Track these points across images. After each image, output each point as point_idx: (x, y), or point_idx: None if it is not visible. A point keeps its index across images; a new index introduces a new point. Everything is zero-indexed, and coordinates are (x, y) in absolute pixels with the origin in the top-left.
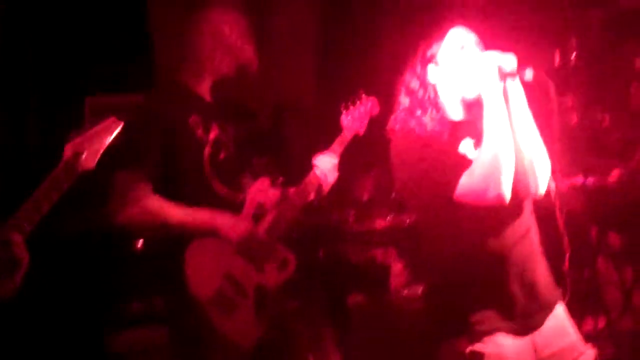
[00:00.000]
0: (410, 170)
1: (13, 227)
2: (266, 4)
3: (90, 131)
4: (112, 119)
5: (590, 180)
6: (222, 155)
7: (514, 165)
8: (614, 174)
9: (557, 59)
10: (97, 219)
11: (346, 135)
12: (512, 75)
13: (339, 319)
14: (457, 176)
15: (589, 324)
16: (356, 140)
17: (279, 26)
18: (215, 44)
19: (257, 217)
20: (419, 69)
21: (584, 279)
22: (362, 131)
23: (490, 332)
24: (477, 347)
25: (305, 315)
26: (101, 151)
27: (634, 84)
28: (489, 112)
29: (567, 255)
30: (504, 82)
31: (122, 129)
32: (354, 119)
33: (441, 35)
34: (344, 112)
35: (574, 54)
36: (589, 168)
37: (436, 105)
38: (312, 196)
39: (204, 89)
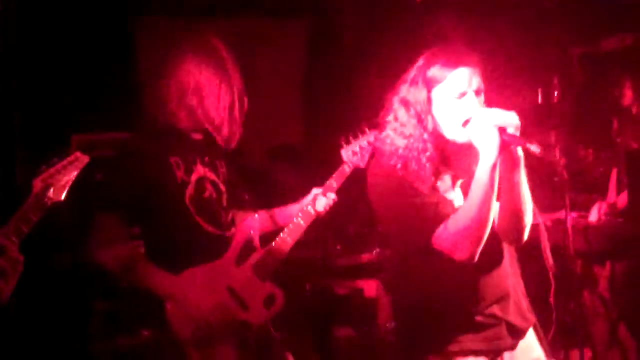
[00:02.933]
0: (388, 207)
1: (3, 236)
2: (250, 44)
3: (58, 165)
4: (78, 153)
5: (574, 215)
6: (206, 194)
7: (490, 227)
8: (598, 209)
9: (539, 97)
10: (81, 255)
11: (345, 169)
12: (515, 140)
13: (325, 352)
14: (435, 220)
15: (575, 357)
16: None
17: (264, 66)
18: (198, 95)
19: (246, 254)
20: (420, 85)
21: (570, 311)
22: (363, 164)
23: (461, 352)
24: None
25: (291, 348)
26: (69, 184)
27: (615, 120)
28: (482, 171)
29: (553, 288)
30: (505, 145)
31: (104, 167)
32: (354, 152)
33: (437, 57)
34: (345, 145)
35: (556, 92)
36: (573, 203)
37: (427, 123)
38: (304, 228)
39: (193, 127)
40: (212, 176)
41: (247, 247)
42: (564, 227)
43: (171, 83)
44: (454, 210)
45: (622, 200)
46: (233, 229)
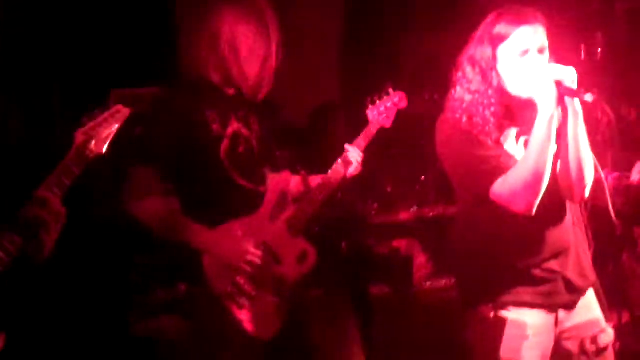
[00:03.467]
0: (453, 158)
1: (46, 188)
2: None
3: (99, 118)
4: (119, 106)
5: (616, 175)
6: (240, 149)
7: (548, 180)
8: (637, 168)
9: (582, 53)
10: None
11: (371, 130)
12: (572, 93)
13: (362, 311)
14: (496, 172)
15: (612, 319)
16: (381, 133)
17: (302, 21)
18: (232, 46)
19: (279, 209)
20: (486, 43)
21: (609, 273)
22: (388, 125)
23: (515, 303)
24: (501, 313)
25: (328, 306)
26: (110, 137)
27: None
28: (540, 126)
29: (592, 249)
30: (562, 97)
31: (140, 121)
32: (380, 113)
33: (503, 16)
34: (370, 106)
35: (599, 49)
36: (614, 163)
37: (491, 79)
38: (335, 185)
39: (226, 82)
40: (246, 131)
41: (280, 203)
42: (604, 187)
43: (205, 33)
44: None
45: None
46: (266, 185)
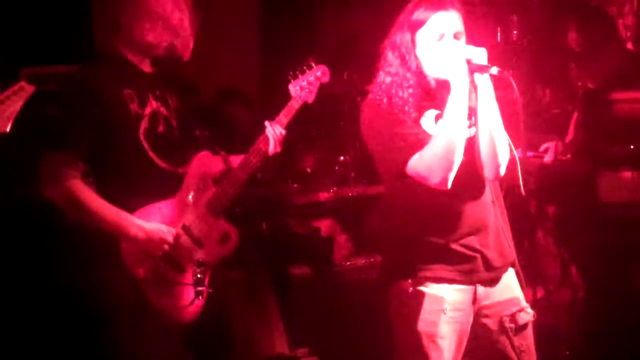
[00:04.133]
0: (373, 137)
1: None
2: None
3: (1, 96)
4: (22, 82)
5: (530, 154)
6: (160, 129)
7: (461, 155)
8: (554, 149)
9: (498, 36)
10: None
11: (293, 105)
12: (480, 69)
13: (282, 291)
14: (414, 149)
15: (527, 294)
16: (300, 113)
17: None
18: (152, 17)
19: (200, 191)
20: (405, 29)
21: (524, 250)
22: (311, 100)
23: (433, 279)
24: (419, 288)
25: (248, 288)
26: (14, 115)
27: (572, 63)
28: (452, 101)
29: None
30: (472, 75)
31: (52, 101)
32: (302, 87)
33: (421, 3)
34: (292, 80)
35: (515, 31)
36: (529, 142)
37: (410, 63)
38: (256, 164)
39: (144, 61)
40: (165, 110)
41: (201, 184)
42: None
43: (124, 19)
44: None
45: (578, 141)
46: (186, 166)
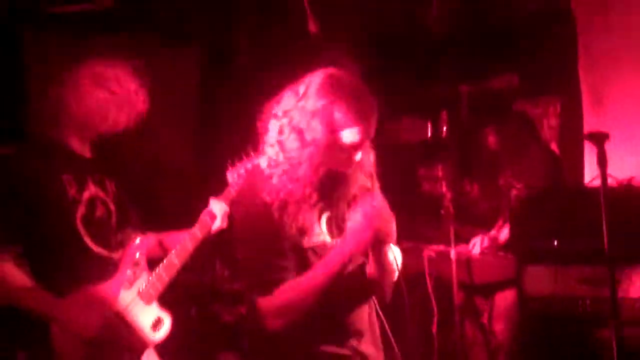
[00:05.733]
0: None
1: None
2: (145, 59)
3: None
4: None
5: (458, 248)
6: (97, 214)
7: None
8: (480, 242)
9: (429, 130)
10: None
11: (231, 191)
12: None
13: None
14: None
15: None
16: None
17: (159, 85)
18: (106, 97)
19: (134, 276)
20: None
21: (452, 341)
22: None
23: None
24: None
25: None
26: None
27: (493, 161)
28: (331, 259)
29: (435, 318)
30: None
31: None
32: (239, 175)
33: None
34: (230, 168)
35: (444, 127)
36: (457, 236)
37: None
38: (193, 250)
39: (82, 145)
40: (103, 195)
41: (135, 269)
42: (447, 259)
43: (68, 98)
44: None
45: (504, 234)
46: (121, 251)
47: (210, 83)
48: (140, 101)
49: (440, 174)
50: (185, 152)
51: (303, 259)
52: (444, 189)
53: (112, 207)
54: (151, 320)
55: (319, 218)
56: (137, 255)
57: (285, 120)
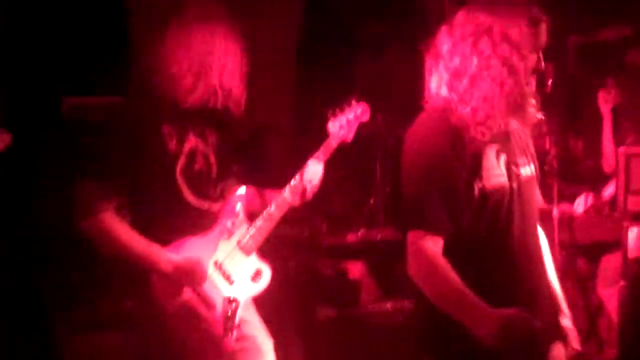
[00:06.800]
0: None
1: None
2: (245, 15)
3: None
4: (2, 130)
5: (561, 206)
6: (197, 166)
7: None
8: (584, 200)
9: (534, 84)
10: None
11: (332, 143)
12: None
13: (307, 332)
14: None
15: None
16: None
17: (258, 35)
18: (198, 55)
19: (234, 227)
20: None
21: None
22: (349, 138)
23: None
24: None
25: (273, 327)
26: None
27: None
28: None
29: None
30: None
31: (92, 132)
32: (341, 125)
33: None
34: (332, 118)
35: (550, 81)
36: (561, 194)
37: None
38: (295, 203)
39: (183, 96)
40: (203, 147)
41: (235, 221)
42: (549, 218)
43: (176, 51)
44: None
45: (609, 192)
46: (221, 202)
47: (313, 31)
48: (241, 61)
49: (544, 129)
50: (287, 104)
51: (484, 200)
52: (548, 145)
53: (212, 158)
54: (250, 271)
55: (498, 159)
56: (238, 206)
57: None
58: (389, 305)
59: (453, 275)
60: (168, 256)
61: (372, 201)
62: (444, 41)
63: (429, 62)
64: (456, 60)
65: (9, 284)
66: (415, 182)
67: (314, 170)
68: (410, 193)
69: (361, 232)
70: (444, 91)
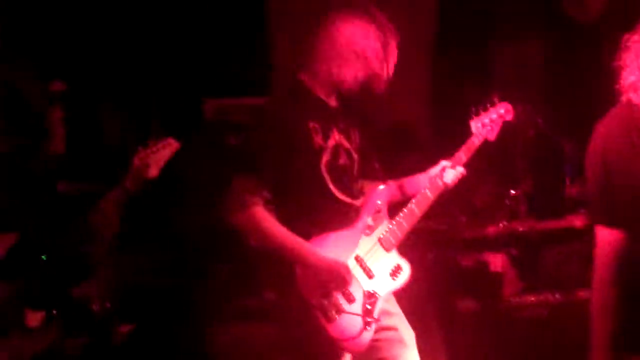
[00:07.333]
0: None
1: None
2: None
3: (153, 147)
4: (170, 139)
5: None
6: (341, 162)
7: None
8: None
9: None
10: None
11: (474, 142)
12: None
13: (448, 324)
14: None
15: None
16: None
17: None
18: (345, 50)
19: (375, 223)
20: None
21: None
22: (493, 138)
23: None
24: None
25: (415, 318)
26: (162, 164)
27: None
28: None
29: None
30: None
31: (238, 132)
32: (484, 124)
33: None
34: (474, 117)
35: None
36: None
37: None
38: (433, 200)
39: (331, 95)
40: (346, 144)
41: (375, 217)
42: None
43: (333, 34)
44: None
45: None
46: (362, 198)
47: (449, 29)
48: (387, 63)
49: None
50: (424, 102)
51: None
52: None
53: (354, 155)
54: (390, 267)
55: None
56: (379, 203)
57: None
58: (532, 298)
59: None
60: (316, 251)
61: (513, 193)
62: None
63: (628, 56)
64: None
65: (159, 277)
66: (599, 177)
67: (455, 171)
68: (594, 187)
69: (502, 224)
70: None
